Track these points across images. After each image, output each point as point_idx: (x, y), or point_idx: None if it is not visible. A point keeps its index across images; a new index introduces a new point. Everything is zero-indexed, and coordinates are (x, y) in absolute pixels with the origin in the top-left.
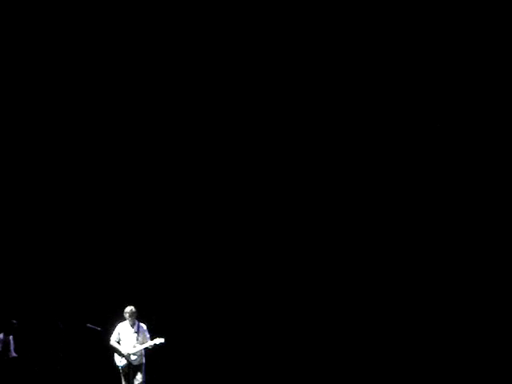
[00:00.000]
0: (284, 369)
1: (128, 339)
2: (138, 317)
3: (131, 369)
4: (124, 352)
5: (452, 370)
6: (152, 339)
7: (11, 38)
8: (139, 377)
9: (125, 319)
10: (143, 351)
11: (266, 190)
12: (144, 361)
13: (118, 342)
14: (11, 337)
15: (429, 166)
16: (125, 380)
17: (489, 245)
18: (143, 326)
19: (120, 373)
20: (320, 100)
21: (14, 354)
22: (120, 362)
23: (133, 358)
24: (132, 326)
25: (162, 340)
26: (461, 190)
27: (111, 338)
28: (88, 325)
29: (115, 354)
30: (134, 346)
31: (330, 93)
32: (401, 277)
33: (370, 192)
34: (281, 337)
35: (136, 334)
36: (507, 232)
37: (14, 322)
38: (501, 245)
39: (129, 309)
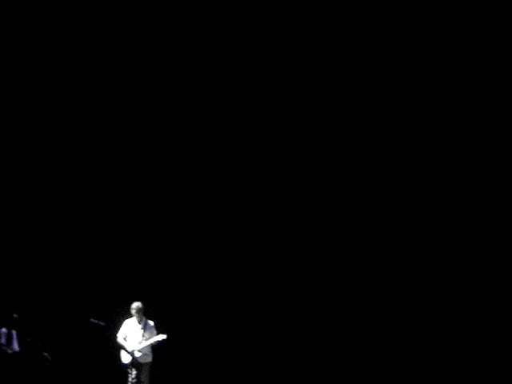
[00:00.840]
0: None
1: (134, 336)
2: (146, 313)
3: (136, 366)
4: (129, 349)
5: (452, 370)
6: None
7: (11, 38)
8: (143, 375)
9: (132, 316)
10: (150, 349)
11: (270, 187)
12: (151, 359)
13: (125, 339)
14: (14, 331)
15: (429, 166)
16: (130, 378)
17: (489, 245)
18: (150, 322)
19: (126, 370)
20: (320, 100)
21: (16, 348)
22: (125, 359)
23: (138, 354)
24: (139, 322)
25: (164, 336)
26: (461, 190)
27: (118, 335)
28: (91, 320)
29: (121, 351)
30: (140, 343)
31: (330, 93)
32: (401, 277)
33: (369, 192)
34: (286, 333)
35: (142, 331)
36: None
37: (16, 315)
38: (501, 245)
39: (135, 305)
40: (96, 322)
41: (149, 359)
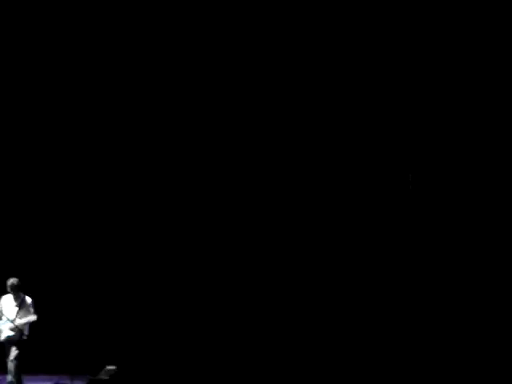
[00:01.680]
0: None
1: (9, 313)
2: (23, 290)
3: (9, 344)
4: (1, 327)
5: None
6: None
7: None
8: (13, 353)
9: (8, 292)
10: (25, 326)
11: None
12: (24, 337)
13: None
14: None
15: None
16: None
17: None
18: (28, 299)
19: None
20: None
21: None
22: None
23: (11, 333)
24: (15, 299)
25: (34, 317)
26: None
27: None
28: None
29: None
30: (13, 320)
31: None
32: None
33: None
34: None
35: (17, 308)
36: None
37: None
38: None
39: (10, 281)
40: None
41: (20, 336)
